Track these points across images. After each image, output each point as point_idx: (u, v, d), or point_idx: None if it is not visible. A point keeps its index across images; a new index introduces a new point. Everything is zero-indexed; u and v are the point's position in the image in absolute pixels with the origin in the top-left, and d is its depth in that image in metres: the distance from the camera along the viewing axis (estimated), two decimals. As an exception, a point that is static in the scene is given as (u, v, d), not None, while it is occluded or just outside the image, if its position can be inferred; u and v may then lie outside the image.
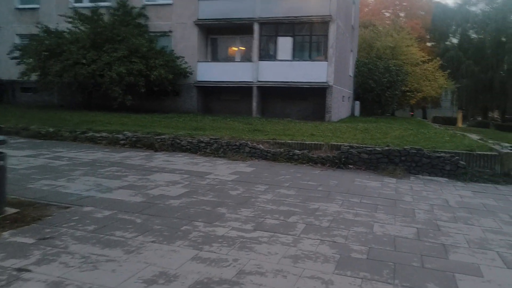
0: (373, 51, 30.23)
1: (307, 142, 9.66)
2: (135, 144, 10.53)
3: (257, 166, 8.73)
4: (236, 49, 20.67)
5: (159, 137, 10.46)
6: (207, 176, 7.43)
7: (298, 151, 9.46)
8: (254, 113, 18.43)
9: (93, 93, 19.23)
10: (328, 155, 9.21)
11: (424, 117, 42.00)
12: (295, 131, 12.23)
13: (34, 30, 19.17)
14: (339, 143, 9.48)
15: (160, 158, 9.10)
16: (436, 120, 38.51)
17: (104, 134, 10.93)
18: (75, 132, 11.14)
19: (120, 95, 16.87)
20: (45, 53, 17.67)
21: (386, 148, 8.93)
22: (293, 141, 9.81)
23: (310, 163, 9.20)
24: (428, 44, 45.70)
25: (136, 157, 9.15)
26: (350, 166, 8.97)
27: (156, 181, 6.83)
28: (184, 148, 10.19)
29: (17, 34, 21.12)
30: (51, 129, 11.26)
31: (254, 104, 18.45)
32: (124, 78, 16.65)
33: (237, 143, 9.87)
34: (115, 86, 16.79)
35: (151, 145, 10.37)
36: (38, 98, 21.28)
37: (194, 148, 10.10)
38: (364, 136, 11.25)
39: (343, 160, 9.02)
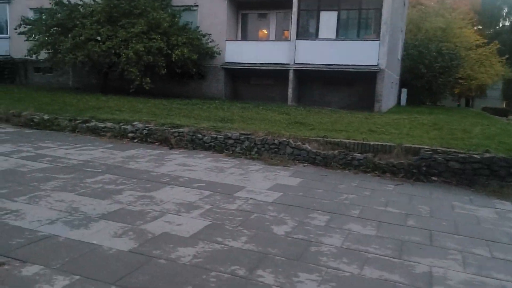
0: (421, 32, 27.01)
1: (370, 143, 7.19)
2: (146, 138, 8.33)
3: (305, 176, 6.37)
4: (270, 26, 18.12)
5: (176, 130, 8.22)
6: (237, 194, 5.12)
7: (358, 154, 7.02)
8: (290, 101, 15.97)
9: (109, 75, 17.20)
10: (402, 161, 6.73)
11: (468, 107, 38.37)
12: (346, 125, 9.75)
13: (47, 3, 17.17)
14: (416, 145, 6.98)
15: (175, 160, 6.86)
16: (485, 111, 34.89)
17: (109, 124, 8.78)
18: (75, 121, 9.04)
19: (137, 77, 14.73)
20: (56, 28, 15.69)
21: (487, 155, 6.37)
22: (350, 141, 7.36)
23: (375, 171, 6.76)
24: (476, 28, 41.70)
25: (144, 157, 6.93)
26: (433, 178, 6.48)
27: (162, 203, 4.57)
28: (207, 146, 7.91)
29: (30, 8, 19.26)
30: (46, 116, 9.20)
31: (290, 90, 15.98)
32: (142, 58, 14.48)
33: (276, 141, 7.52)
34: (132, 67, 14.66)
35: (166, 140, 8.15)
36: (52, 79, 19.49)
37: (220, 146, 7.81)
38: (440, 134, 8.66)
39: (423, 169, 6.53)
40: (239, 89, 18.17)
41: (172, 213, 4.27)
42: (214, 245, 3.53)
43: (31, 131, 8.76)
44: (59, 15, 15.70)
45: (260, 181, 5.84)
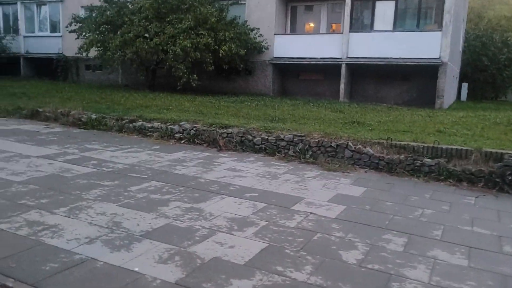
0: (483, 22, 25.02)
1: (443, 147, 6.34)
2: (194, 139, 7.91)
3: (369, 184, 5.66)
4: (320, 19, 17.28)
5: (225, 131, 7.73)
6: (295, 207, 4.52)
7: (429, 160, 6.20)
8: (342, 97, 15.11)
9: (157, 72, 17.09)
10: (481, 169, 5.85)
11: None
12: (408, 124, 8.87)
13: (98, 1, 17.29)
14: (498, 150, 6.05)
15: (224, 164, 6.36)
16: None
17: (156, 124, 8.45)
18: (122, 121, 8.80)
19: (184, 74, 14.46)
20: (105, 26, 15.74)
21: None
22: (418, 144, 6.53)
23: (449, 180, 5.93)
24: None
25: (192, 161, 6.49)
26: (521, 189, 5.56)
27: (212, 218, 4.06)
28: (258, 148, 7.36)
29: (81, 6, 19.57)
30: (93, 116, 9.03)
31: (342, 85, 15.11)
32: (189, 54, 14.17)
33: (333, 144, 6.84)
34: (179, 64, 14.40)
35: (214, 142, 7.68)
36: (103, 77, 19.72)
37: (271, 148, 7.24)
38: (522, 136, 7.61)
39: (508, 178, 5.63)
40: (287, 85, 17.50)
41: (223, 231, 3.74)
42: (274, 277, 2.96)
43: (78, 131, 8.61)
44: (108, 12, 15.74)
45: (319, 191, 5.20)
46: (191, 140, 7.93)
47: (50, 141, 7.33)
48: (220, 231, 3.74)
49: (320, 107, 12.09)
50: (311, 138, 7.04)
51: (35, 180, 4.95)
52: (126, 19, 15.05)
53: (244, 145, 7.51)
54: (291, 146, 7.16)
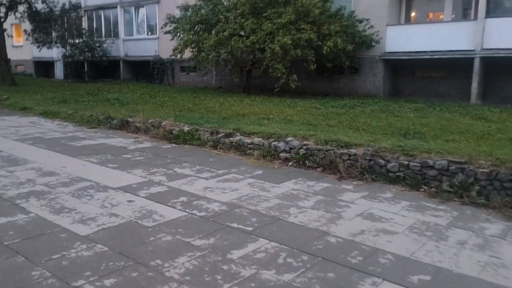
0: None
1: None
2: (304, 161, 6.22)
3: None
4: (445, 4, 14.49)
5: (345, 151, 5.92)
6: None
7: None
8: (473, 98, 12.33)
9: (252, 72, 15.78)
10: None
11: None
12: None
13: (193, 0, 16.46)
14: None
15: (354, 205, 4.56)
16: None
17: (256, 140, 6.92)
18: (217, 134, 7.42)
19: (283, 75, 12.88)
20: (200, 25, 14.79)
21: None
22: None
23: None
24: None
25: (308, 197, 4.80)
26: None
27: None
28: (393, 177, 5.43)
29: (177, 7, 19.03)
30: (186, 128, 7.80)
31: (475, 84, 12.32)
32: (288, 52, 12.56)
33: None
34: (278, 63, 12.85)
35: (332, 166, 5.91)
36: (197, 79, 19.02)
37: (414, 179, 5.27)
38: None
39: None
40: (400, 84, 15.03)
41: None
42: None
43: (169, 146, 7.42)
44: (203, 11, 14.77)
45: (528, 271, 3.16)
46: (300, 163, 6.24)
47: (136, 163, 6.16)
48: None
49: (453, 113, 9.65)
50: (478, 167, 4.93)
51: (105, 234, 3.62)
52: (221, 16, 13.90)
53: (373, 172, 5.63)
54: (444, 177, 5.11)
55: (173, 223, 3.93)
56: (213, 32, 13.88)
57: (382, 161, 5.60)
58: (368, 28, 13.76)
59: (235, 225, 3.93)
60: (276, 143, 6.67)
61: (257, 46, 13.21)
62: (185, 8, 16.42)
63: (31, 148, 6.83)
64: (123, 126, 8.82)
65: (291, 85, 12.97)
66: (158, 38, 19.95)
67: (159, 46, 19.96)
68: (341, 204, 4.60)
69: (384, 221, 4.14)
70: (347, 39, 13.15)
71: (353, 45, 13.15)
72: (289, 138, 6.63)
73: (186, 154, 6.82)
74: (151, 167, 5.90)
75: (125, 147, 7.19)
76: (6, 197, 4.45)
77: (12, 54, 26.98)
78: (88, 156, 6.39)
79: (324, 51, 12.54)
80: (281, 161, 6.45)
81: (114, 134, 8.39)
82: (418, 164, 5.32)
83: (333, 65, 13.73)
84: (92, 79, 21.82)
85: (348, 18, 13.83)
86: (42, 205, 4.24)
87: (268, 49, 12.72)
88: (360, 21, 13.81)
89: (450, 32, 12.84)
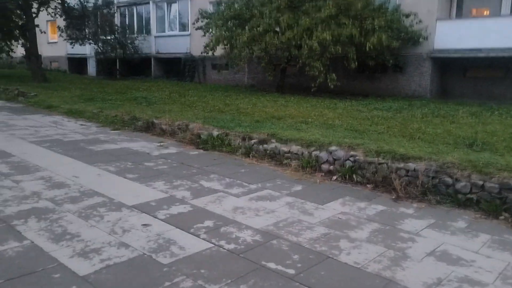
0: None
1: None
2: (351, 175, 5.31)
3: None
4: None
5: (402, 166, 4.98)
6: None
7: None
8: (536, 101, 10.99)
9: (287, 70, 14.88)
10: None
11: None
12: None
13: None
14: None
15: (420, 238, 3.63)
16: None
17: (294, 148, 6.06)
18: (250, 140, 6.61)
19: (321, 73, 11.94)
20: (233, 20, 14.03)
21: None
22: None
23: None
24: None
25: (360, 225, 3.90)
26: None
27: None
28: (463, 200, 4.46)
29: (210, 2, 18.34)
30: (215, 132, 7.02)
31: (538, 85, 10.98)
32: (327, 49, 11.60)
33: None
34: (315, 61, 11.92)
35: (385, 183, 4.99)
36: (228, 76, 18.29)
37: (491, 203, 4.26)
38: None
39: None
40: (449, 85, 13.75)
41: None
42: None
43: (196, 153, 6.66)
44: (236, 5, 13.99)
45: None
46: (346, 177, 5.34)
47: (158, 173, 5.42)
48: None
49: (517, 119, 8.45)
50: None
51: (108, 275, 2.87)
52: (256, 11, 13.09)
53: (438, 192, 4.66)
54: (530, 204, 4.10)
55: (195, 260, 3.14)
56: (246, 27, 13.08)
57: (449, 180, 4.62)
58: (416, 23, 12.58)
59: (272, 265, 3.09)
60: (317, 152, 5.78)
61: (293, 43, 12.32)
62: (217, 3, 15.70)
63: (45, 153, 6.24)
64: (148, 128, 8.16)
65: (329, 84, 12.01)
66: (189, 34, 19.36)
67: (191, 42, 19.37)
68: (404, 237, 3.68)
69: (465, 264, 3.20)
70: (392, 35, 12.05)
71: (399, 41, 12.03)
72: (333, 147, 5.73)
73: (214, 163, 6.04)
74: (175, 179, 5.15)
75: (148, 153, 6.49)
76: (3, 216, 3.79)
77: (48, 51, 27.30)
78: (106, 164, 5.72)
79: (367, 48, 11.48)
80: (323, 174, 5.57)
81: (138, 137, 7.72)
82: (496, 186, 4.32)
83: (375, 63, 12.66)
84: (123, 77, 21.51)
85: (394, 12, 12.71)
86: (41, 229, 3.55)
87: (305, 46, 11.81)
88: (407, 16, 12.64)
89: (510, 28, 11.50)
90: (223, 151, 6.64)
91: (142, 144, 7.07)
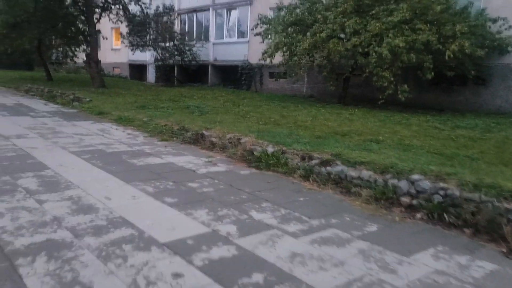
0: None
1: None
2: (442, 214, 4.16)
3: None
4: None
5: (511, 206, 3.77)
6: None
7: None
8: None
9: (351, 80, 13.73)
10: None
11: None
12: None
13: (288, 0, 14.86)
14: None
15: None
16: None
17: (365, 172, 5.00)
18: (310, 160, 5.63)
19: (391, 84, 10.71)
20: (294, 26, 13.17)
21: None
22: None
23: None
24: None
25: (468, 297, 2.79)
26: None
27: None
28: None
29: (270, 8, 17.61)
30: (270, 149, 6.11)
31: None
32: (399, 57, 10.37)
33: None
34: (384, 70, 10.72)
35: (490, 228, 3.80)
36: (286, 86, 17.41)
37: None
38: None
39: None
40: (541, 100, 11.91)
41: None
42: None
43: (247, 172, 5.79)
44: (298, 10, 13.13)
45: None
46: (435, 216, 4.20)
47: (202, 197, 4.60)
48: None
49: None
50: None
51: None
52: (319, 16, 12.13)
53: None
54: None
55: None
56: (308, 33, 12.17)
57: None
58: (505, 29, 10.98)
59: None
60: (395, 181, 4.69)
61: (360, 50, 11.23)
62: (278, 8, 14.92)
63: (83, 166, 5.66)
64: (197, 140, 7.43)
65: (400, 96, 10.74)
66: (248, 41, 18.78)
67: (249, 50, 18.77)
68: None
69: None
70: (476, 42, 10.56)
71: (485, 49, 10.51)
72: (416, 176, 4.60)
73: (268, 187, 5.12)
74: (220, 207, 4.29)
75: (193, 171, 5.71)
76: (9, 251, 3.11)
77: (111, 57, 28.04)
78: (145, 183, 5.00)
79: (446, 57, 10.09)
80: (403, 209, 4.46)
81: (185, 150, 7.01)
82: None
83: (453, 74, 11.19)
84: (180, 83, 21.37)
85: (477, 17, 11.21)
86: (47, 273, 2.82)
87: (374, 53, 10.67)
88: (494, 21, 11.09)
89: None
90: (278, 171, 5.71)
91: (188, 159, 6.33)
